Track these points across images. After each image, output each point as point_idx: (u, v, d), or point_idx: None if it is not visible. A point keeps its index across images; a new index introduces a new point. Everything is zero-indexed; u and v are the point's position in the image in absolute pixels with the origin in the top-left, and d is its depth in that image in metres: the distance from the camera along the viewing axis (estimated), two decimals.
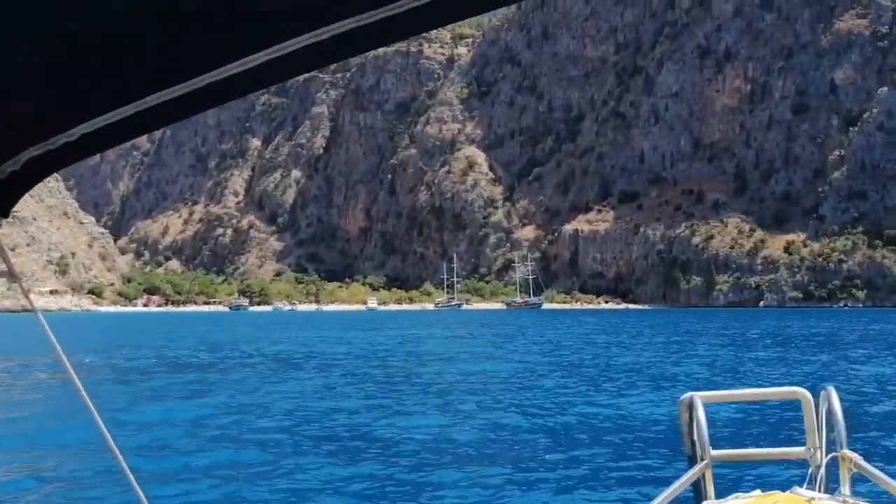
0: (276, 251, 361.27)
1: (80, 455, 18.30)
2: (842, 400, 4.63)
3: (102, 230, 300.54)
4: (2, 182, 2.42)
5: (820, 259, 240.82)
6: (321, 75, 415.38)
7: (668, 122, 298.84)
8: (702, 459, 4.76)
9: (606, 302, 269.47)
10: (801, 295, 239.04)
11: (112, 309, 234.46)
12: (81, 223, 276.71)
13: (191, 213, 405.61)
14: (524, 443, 20.64)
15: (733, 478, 12.26)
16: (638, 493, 15.36)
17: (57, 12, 1.87)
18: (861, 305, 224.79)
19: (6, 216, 2.49)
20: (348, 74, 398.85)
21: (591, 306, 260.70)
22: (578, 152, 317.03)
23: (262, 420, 24.05)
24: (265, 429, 22.42)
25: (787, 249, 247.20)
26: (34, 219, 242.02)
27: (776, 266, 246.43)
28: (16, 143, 2.35)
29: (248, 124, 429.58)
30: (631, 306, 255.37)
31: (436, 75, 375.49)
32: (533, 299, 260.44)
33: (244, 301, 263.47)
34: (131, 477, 3.03)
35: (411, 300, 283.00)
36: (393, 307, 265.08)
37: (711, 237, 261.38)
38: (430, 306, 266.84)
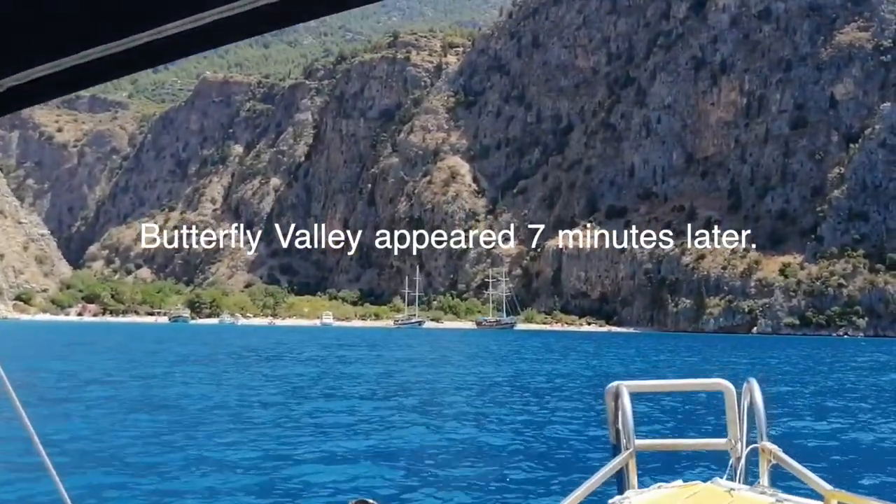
0: (248, 261, 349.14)
1: None
2: (763, 392, 4.81)
3: (44, 231, 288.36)
4: None
5: (818, 283, 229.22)
6: (307, 81, 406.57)
7: (661, 136, 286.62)
8: (626, 449, 4.86)
9: (589, 324, 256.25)
10: (797, 321, 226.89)
11: (35, 317, 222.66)
12: (20, 223, 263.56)
13: (166, 220, 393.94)
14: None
15: (656, 468, 12.85)
16: (562, 483, 18.03)
17: None
18: (862, 335, 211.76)
19: None
20: (334, 80, 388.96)
21: (572, 328, 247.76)
22: (566, 165, 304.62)
23: None
24: None
25: (782, 272, 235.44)
26: None
27: (771, 289, 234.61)
28: None
29: (231, 130, 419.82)
30: (615, 329, 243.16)
31: (422, 83, 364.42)
32: (505, 319, 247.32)
33: (185, 312, 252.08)
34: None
35: (377, 316, 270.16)
36: (357, 323, 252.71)
37: (703, 257, 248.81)
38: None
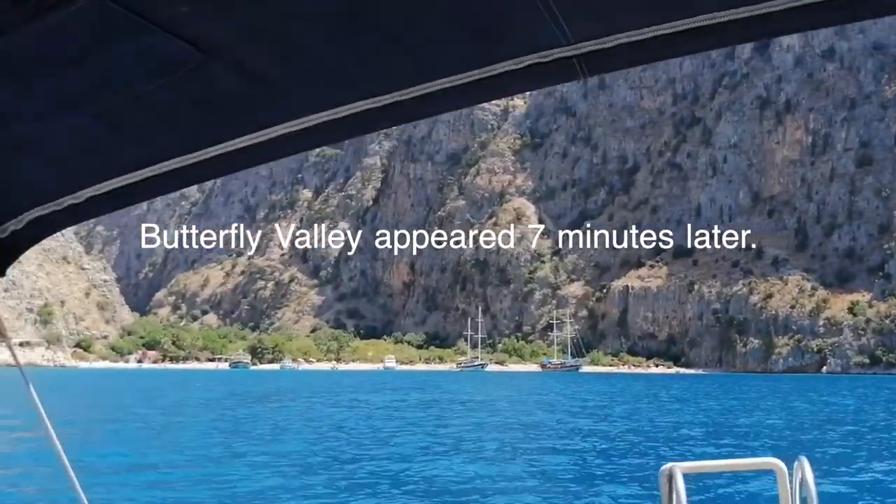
0: (314, 305, 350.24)
1: None
2: (814, 470, 4.73)
3: (107, 278, 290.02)
4: (1, 241, 2.38)
5: (887, 321, 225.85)
6: None
7: (727, 175, 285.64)
8: None
9: (657, 366, 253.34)
10: (867, 360, 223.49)
11: (93, 365, 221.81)
12: (83, 269, 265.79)
13: (234, 266, 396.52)
14: None
15: None
16: None
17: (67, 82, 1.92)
18: None
19: (2, 275, 2.40)
20: (402, 125, 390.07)
21: (639, 370, 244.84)
22: (632, 205, 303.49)
23: None
24: None
25: (851, 310, 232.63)
26: (18, 262, 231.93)
27: (840, 328, 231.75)
28: (21, 202, 2.28)
29: (300, 175, 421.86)
30: (682, 370, 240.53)
31: (489, 126, 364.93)
32: (570, 361, 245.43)
33: (245, 358, 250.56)
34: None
35: (441, 359, 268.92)
36: (420, 367, 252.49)
37: (771, 296, 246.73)
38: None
